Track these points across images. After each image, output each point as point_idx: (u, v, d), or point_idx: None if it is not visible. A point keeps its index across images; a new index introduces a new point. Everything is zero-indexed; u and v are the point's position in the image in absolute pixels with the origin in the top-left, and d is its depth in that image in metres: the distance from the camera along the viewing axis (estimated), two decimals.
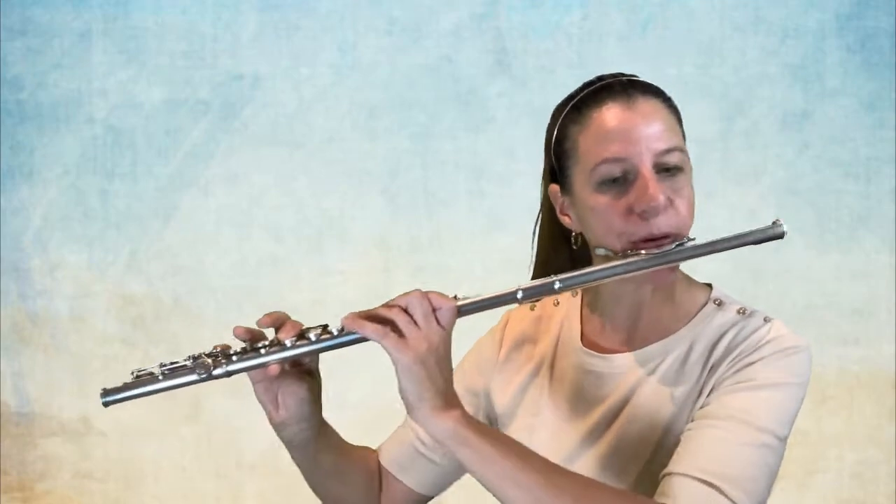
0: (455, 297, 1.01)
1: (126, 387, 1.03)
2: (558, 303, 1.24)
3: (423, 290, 1.00)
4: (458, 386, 1.28)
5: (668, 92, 1.13)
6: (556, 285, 1.02)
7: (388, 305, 1.00)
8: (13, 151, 2.63)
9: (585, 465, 1.12)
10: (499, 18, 2.53)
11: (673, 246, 1.03)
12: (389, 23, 2.56)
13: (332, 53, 2.57)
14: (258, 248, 2.61)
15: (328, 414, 1.11)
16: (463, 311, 1.01)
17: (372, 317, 0.99)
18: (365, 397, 2.37)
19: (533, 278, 1.23)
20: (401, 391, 0.97)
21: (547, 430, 1.17)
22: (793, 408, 1.03)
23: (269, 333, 1.07)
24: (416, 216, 2.57)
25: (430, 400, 0.96)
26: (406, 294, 1.00)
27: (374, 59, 2.57)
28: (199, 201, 2.61)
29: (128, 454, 2.58)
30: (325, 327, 1.02)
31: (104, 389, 1.02)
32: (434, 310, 0.99)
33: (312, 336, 1.02)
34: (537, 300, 1.14)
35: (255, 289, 2.60)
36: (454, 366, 1.31)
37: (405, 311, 0.98)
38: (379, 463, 1.28)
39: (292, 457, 1.15)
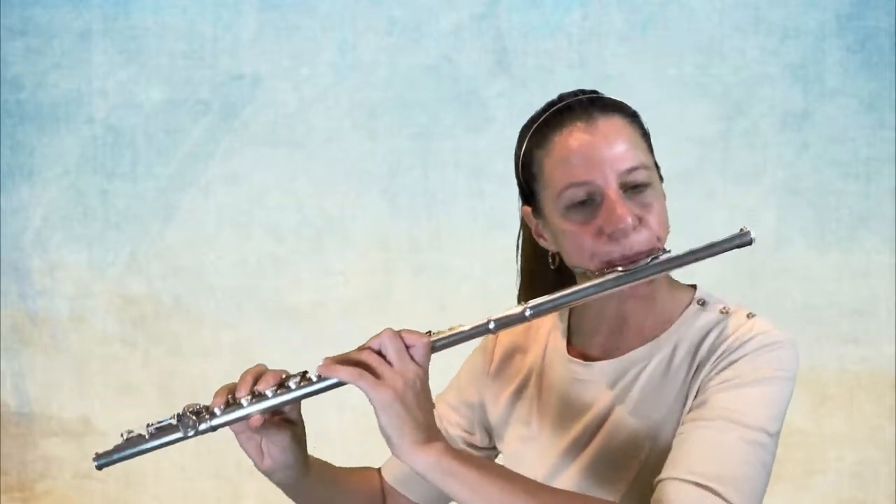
0: (429, 332, 1.02)
1: (117, 449, 1.05)
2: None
3: (395, 329, 1.00)
4: (455, 399, 1.30)
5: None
6: (527, 313, 1.03)
7: (361, 348, 1.00)
8: (13, 151, 2.63)
9: (574, 473, 1.12)
10: (499, 18, 2.53)
11: (648, 260, 1.03)
12: (389, 23, 2.56)
13: (332, 53, 2.57)
14: (258, 249, 2.61)
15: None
16: (437, 346, 1.02)
17: (346, 360, 0.99)
18: (365, 399, 2.36)
19: (519, 292, 1.25)
20: (381, 429, 0.97)
21: (538, 440, 1.18)
22: (782, 402, 1.02)
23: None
24: (416, 216, 2.57)
25: (410, 435, 0.97)
26: (378, 335, 1.00)
27: (374, 59, 2.57)
28: (199, 201, 2.61)
29: None
30: (303, 374, 1.02)
31: (97, 454, 1.05)
32: (407, 347, 0.99)
33: (292, 384, 1.02)
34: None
35: (255, 289, 2.60)
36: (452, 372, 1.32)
37: (378, 352, 0.99)
38: (381, 481, 1.29)
39: (285, 493, 1.16)
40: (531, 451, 1.18)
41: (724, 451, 0.98)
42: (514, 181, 1.19)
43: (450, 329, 1.03)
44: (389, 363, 0.98)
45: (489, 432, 1.28)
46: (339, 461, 1.27)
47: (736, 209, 2.47)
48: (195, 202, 2.61)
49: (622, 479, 1.08)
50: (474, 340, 1.07)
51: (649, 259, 1.03)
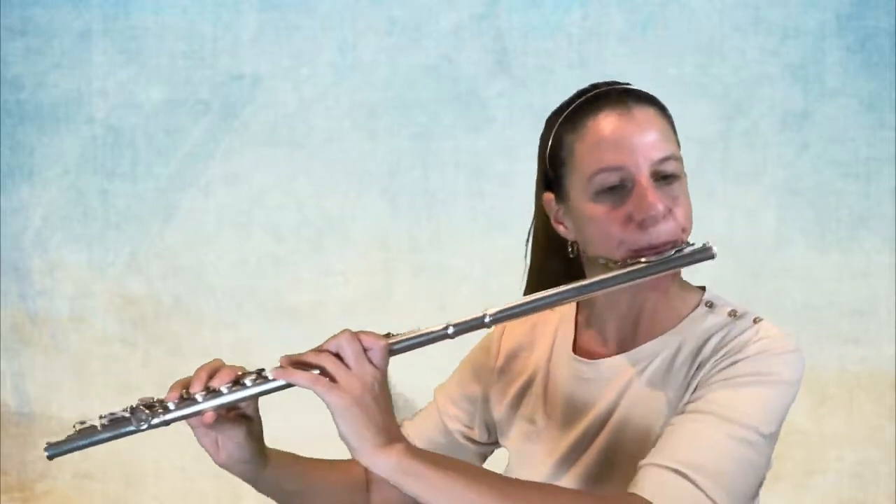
0: (388, 335, 1.01)
1: (69, 440, 1.04)
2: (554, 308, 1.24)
3: (354, 331, 0.99)
4: (456, 392, 1.30)
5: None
6: (487, 319, 1.02)
7: (318, 350, 0.99)
8: (13, 151, 2.63)
9: (578, 472, 1.12)
10: (499, 18, 2.53)
11: (672, 252, 1.03)
12: (389, 23, 2.56)
13: (332, 53, 2.57)
14: (258, 249, 2.61)
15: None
16: (395, 349, 1.01)
17: (302, 363, 0.98)
18: None
19: (526, 287, 1.24)
20: (340, 435, 0.96)
21: (542, 437, 1.18)
22: (779, 406, 1.02)
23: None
24: (416, 216, 2.57)
25: (370, 438, 0.95)
26: (336, 336, 0.99)
27: (374, 59, 2.57)
28: (199, 201, 2.61)
29: (128, 454, 2.58)
30: (260, 372, 1.02)
31: (48, 444, 1.04)
32: (365, 350, 0.98)
33: (248, 382, 1.02)
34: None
35: (255, 289, 2.60)
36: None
37: (336, 354, 0.98)
38: (366, 470, 1.27)
39: (253, 487, 1.17)
40: (535, 448, 1.18)
41: (708, 443, 0.98)
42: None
43: (408, 332, 1.02)
44: (347, 366, 0.97)
45: (489, 428, 1.28)
46: (338, 458, 1.26)
47: (736, 209, 2.47)
48: (195, 202, 2.61)
49: (629, 478, 1.08)
50: (474, 344, 1.05)
51: (673, 251, 1.02)
